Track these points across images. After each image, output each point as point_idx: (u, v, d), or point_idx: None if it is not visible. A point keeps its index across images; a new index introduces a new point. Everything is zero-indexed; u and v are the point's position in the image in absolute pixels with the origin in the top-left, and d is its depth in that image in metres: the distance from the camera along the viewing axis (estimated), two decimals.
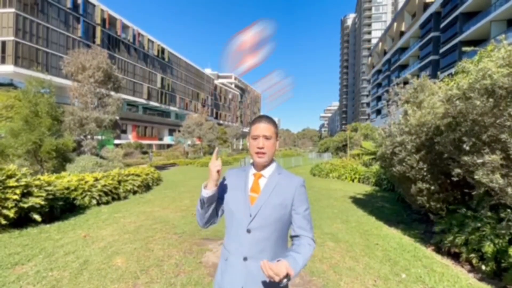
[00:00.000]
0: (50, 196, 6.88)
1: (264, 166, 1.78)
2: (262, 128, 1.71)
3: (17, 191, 6.03)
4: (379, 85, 72.27)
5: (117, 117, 17.97)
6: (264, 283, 1.60)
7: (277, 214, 1.66)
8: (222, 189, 1.81)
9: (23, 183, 6.21)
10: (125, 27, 50.99)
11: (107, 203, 9.26)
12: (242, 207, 1.69)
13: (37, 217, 6.33)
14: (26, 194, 6.33)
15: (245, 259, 1.64)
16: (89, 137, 16.06)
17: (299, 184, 1.75)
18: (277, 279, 1.38)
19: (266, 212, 1.65)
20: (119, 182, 10.43)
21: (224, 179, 1.86)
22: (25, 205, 6.10)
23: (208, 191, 1.67)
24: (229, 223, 1.74)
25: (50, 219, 6.90)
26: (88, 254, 5.00)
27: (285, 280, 1.43)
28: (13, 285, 3.83)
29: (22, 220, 6.30)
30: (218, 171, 1.66)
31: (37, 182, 6.75)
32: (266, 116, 1.78)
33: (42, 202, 6.46)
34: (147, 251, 5.21)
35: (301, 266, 1.54)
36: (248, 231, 1.65)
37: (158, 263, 4.72)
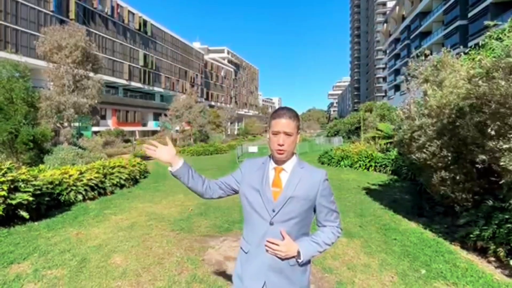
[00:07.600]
0: (37, 192, 7.26)
1: (284, 160, 2.00)
2: (283, 124, 1.89)
3: (4, 187, 6.38)
4: (397, 56, 71.55)
5: (96, 101, 18.20)
6: (287, 273, 1.92)
7: (301, 208, 1.92)
8: (240, 177, 2.14)
9: (9, 178, 6.57)
10: None
11: (93, 198, 9.66)
12: (264, 202, 1.93)
13: (24, 214, 6.70)
14: (13, 189, 6.68)
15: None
16: (66, 124, 16.35)
17: (323, 178, 1.99)
18: (282, 255, 1.86)
19: (289, 207, 1.90)
20: (105, 175, 10.77)
21: (241, 168, 2.16)
22: (14, 202, 6.47)
23: (171, 169, 2.08)
24: (249, 216, 2.03)
25: (37, 217, 7.28)
26: (84, 252, 5.42)
27: (299, 261, 1.89)
28: (14, 283, 4.27)
29: (8, 218, 6.66)
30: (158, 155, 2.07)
31: (23, 176, 7.09)
32: (289, 109, 1.97)
33: (30, 198, 6.83)
34: (145, 249, 5.63)
35: (315, 251, 1.95)
36: (271, 223, 1.91)
37: (159, 261, 5.12)
